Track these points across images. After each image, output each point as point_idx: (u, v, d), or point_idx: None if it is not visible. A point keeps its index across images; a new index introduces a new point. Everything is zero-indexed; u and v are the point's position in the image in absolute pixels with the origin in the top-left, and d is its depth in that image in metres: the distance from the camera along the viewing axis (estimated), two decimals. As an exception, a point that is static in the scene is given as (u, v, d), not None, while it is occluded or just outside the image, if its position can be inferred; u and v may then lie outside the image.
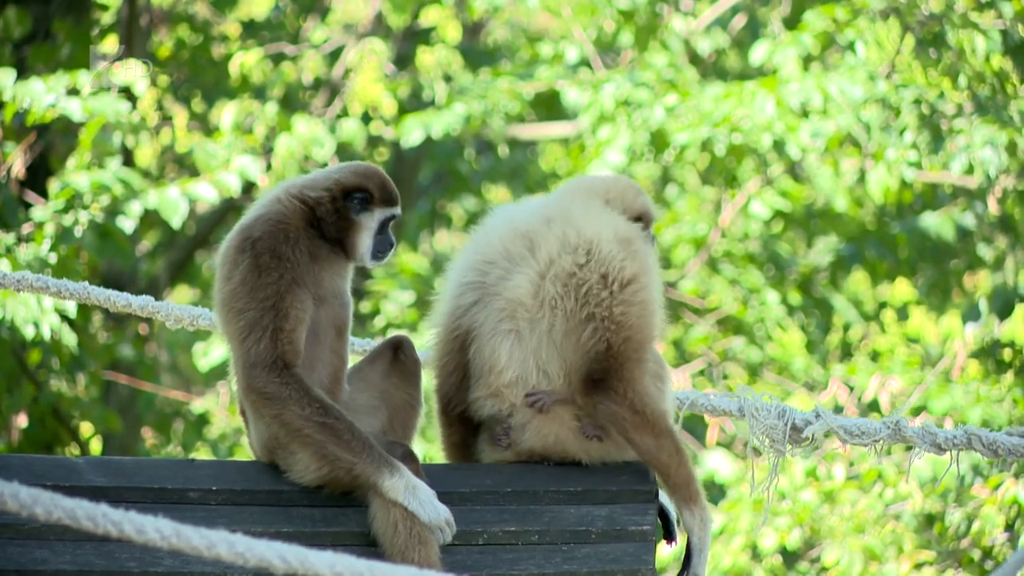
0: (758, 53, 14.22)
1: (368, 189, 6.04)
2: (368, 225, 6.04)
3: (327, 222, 6.00)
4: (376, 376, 6.15)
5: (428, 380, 6.58)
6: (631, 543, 5.75)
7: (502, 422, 6.05)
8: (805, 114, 13.54)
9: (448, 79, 17.07)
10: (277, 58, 16.94)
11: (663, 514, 6.04)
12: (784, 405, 6.53)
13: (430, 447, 13.80)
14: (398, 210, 6.10)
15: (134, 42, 15.02)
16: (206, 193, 12.34)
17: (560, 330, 5.96)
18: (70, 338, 11.99)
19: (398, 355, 6.14)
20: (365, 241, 6.03)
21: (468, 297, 6.09)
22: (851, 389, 12.59)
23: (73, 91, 11.88)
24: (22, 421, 13.67)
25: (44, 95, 11.80)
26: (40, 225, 12.00)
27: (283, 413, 5.75)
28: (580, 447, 6.01)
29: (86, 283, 7.81)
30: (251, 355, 5.78)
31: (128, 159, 15.32)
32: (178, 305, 7.69)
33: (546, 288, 5.98)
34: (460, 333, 6.11)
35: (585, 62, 16.42)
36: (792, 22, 16.18)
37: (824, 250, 17.05)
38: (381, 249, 6.07)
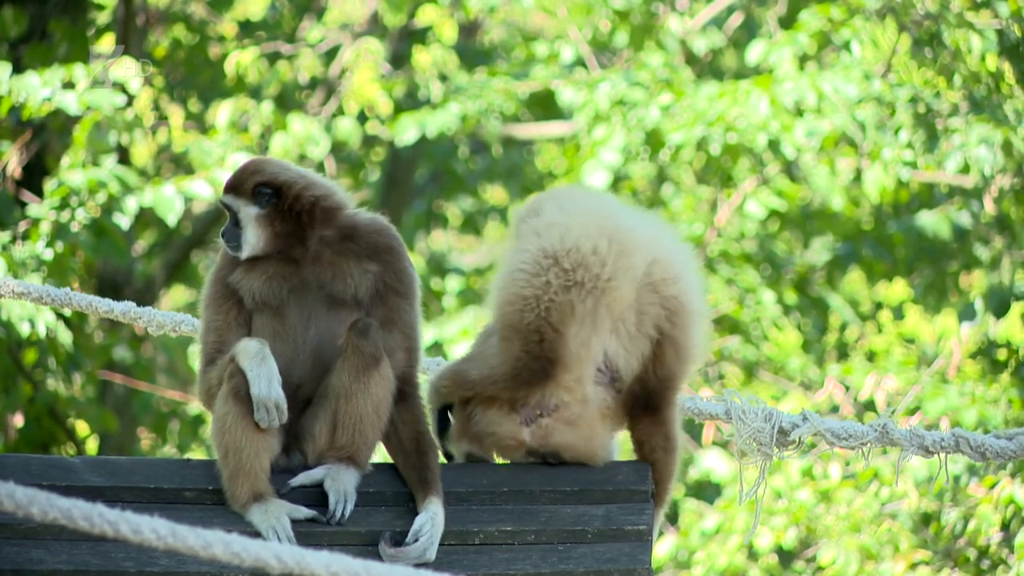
0: (754, 53, 14.22)
1: None
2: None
3: None
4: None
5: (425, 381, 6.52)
6: (627, 543, 5.74)
7: (543, 409, 6.01)
8: (800, 113, 13.53)
9: (444, 78, 17.06)
10: (273, 57, 16.93)
11: None
12: (771, 408, 6.54)
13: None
14: (223, 198, 6.16)
15: (130, 42, 15.00)
16: (202, 191, 12.32)
17: (627, 337, 5.99)
18: (66, 337, 11.98)
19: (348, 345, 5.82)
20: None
21: (555, 281, 5.96)
22: (847, 389, 12.59)
23: (69, 85, 11.85)
24: (18, 420, 13.66)
25: (39, 89, 11.78)
26: (36, 223, 11.99)
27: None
28: (601, 451, 6.01)
29: (67, 289, 7.79)
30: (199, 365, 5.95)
31: (124, 158, 15.30)
32: (160, 311, 7.65)
33: (639, 295, 6.00)
34: (539, 316, 5.95)
35: (580, 62, 16.42)
36: (788, 21, 16.17)
37: (820, 249, 17.05)
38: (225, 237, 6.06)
